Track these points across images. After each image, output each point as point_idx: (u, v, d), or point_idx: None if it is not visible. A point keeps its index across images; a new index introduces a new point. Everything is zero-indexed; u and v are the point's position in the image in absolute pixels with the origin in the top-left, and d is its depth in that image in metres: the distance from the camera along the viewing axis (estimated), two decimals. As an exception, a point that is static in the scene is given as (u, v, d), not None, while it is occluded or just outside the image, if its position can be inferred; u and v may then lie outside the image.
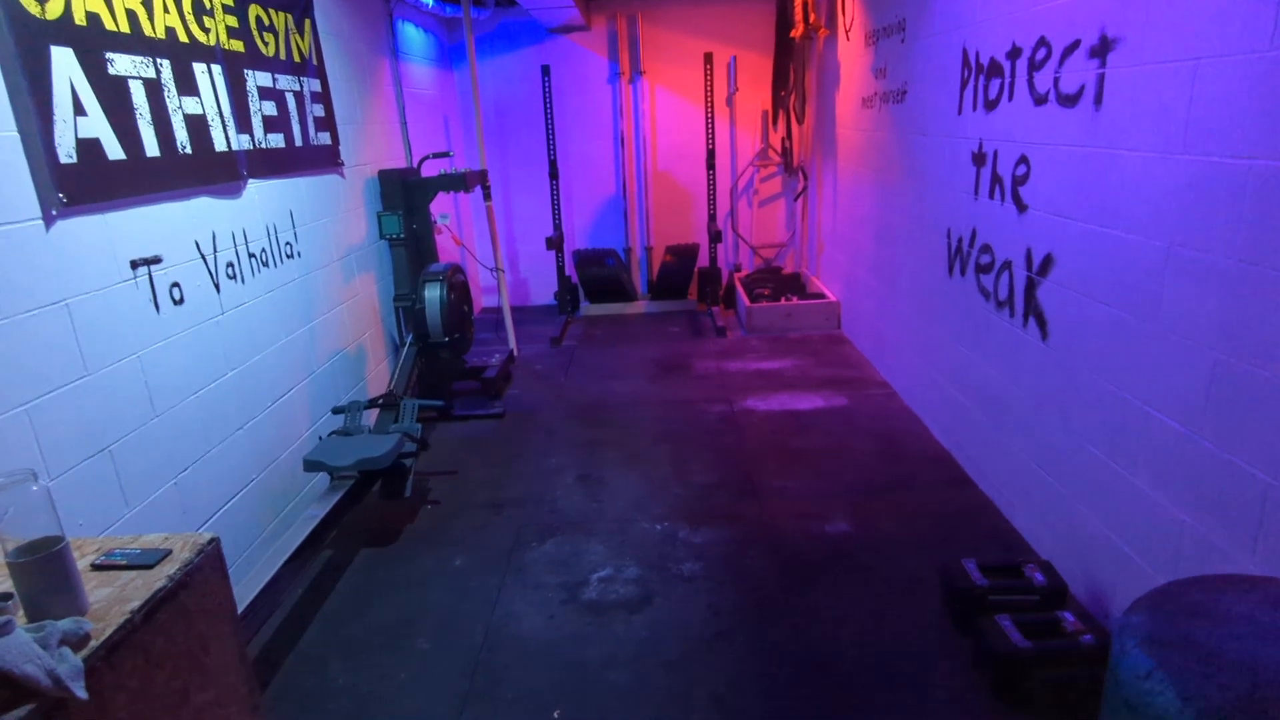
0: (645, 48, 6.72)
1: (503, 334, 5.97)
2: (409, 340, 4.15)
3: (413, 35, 5.75)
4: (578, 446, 4.20)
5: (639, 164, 7.03)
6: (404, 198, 4.70)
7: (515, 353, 5.95)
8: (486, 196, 5.59)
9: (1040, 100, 2.78)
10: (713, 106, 6.38)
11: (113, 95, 2.47)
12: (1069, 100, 2.59)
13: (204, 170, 2.94)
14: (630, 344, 6.06)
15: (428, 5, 5.69)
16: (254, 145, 3.34)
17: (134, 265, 2.55)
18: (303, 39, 3.84)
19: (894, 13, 4.34)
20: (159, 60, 2.71)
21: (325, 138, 4.06)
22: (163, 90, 2.72)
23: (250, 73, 3.33)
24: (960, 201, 3.53)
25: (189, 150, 2.85)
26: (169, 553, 1.51)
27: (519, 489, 3.76)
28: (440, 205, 5.70)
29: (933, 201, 3.87)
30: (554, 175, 6.57)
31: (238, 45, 3.23)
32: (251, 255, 3.29)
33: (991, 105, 3.17)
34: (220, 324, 3.04)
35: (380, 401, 3.71)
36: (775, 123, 6.85)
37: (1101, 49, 2.39)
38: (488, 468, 4.00)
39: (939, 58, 3.72)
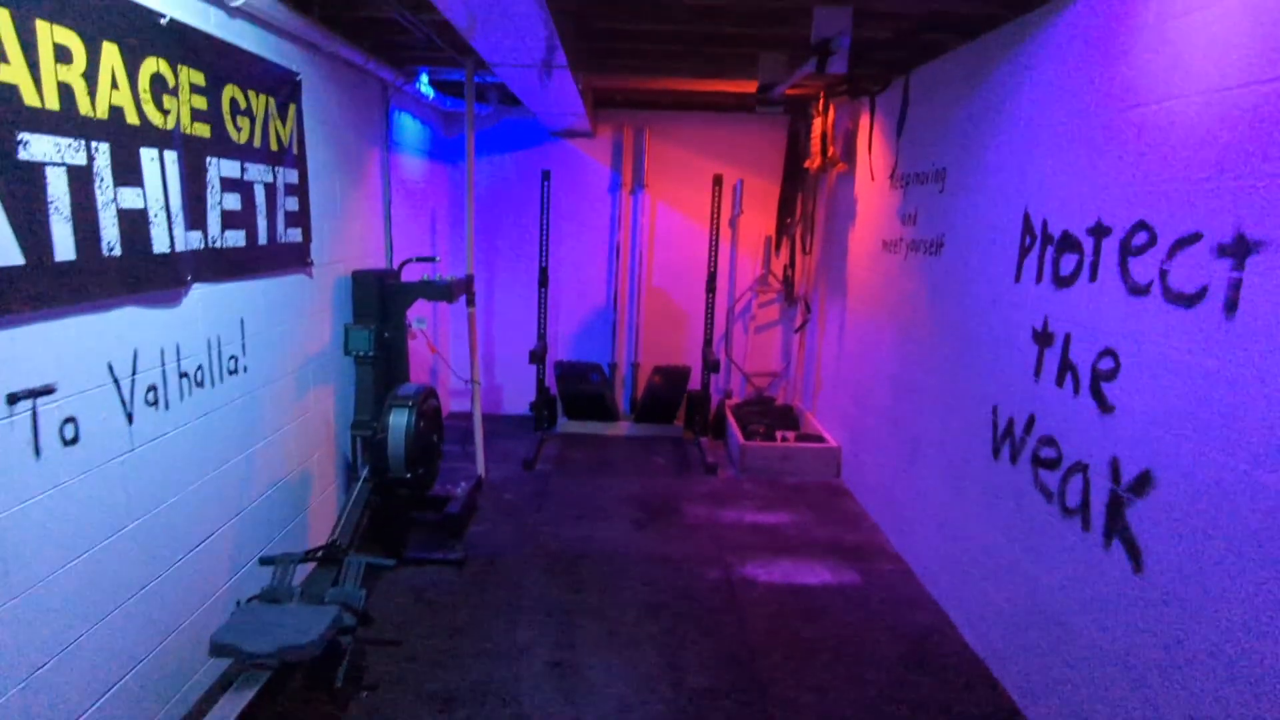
0: (650, 161, 6.45)
1: (470, 448, 5.37)
2: (363, 475, 3.54)
3: (408, 126, 5.38)
4: (550, 614, 3.56)
5: (633, 277, 6.65)
6: (379, 303, 4.18)
7: (484, 476, 5.33)
8: (470, 302, 5.10)
9: (1138, 290, 2.39)
10: (718, 229, 6.07)
11: (19, 185, 1.94)
12: (1184, 300, 2.20)
13: (134, 276, 2.40)
14: (611, 474, 5.49)
15: (429, 97, 5.35)
16: (206, 244, 2.82)
17: (12, 399, 1.96)
18: (284, 125, 3.39)
19: (931, 160, 4.06)
20: (94, 144, 2.20)
21: (295, 234, 3.56)
22: (94, 180, 2.21)
23: (214, 161, 2.84)
24: (1014, 379, 3.12)
25: (117, 252, 2.31)
26: None
27: (477, 673, 3.10)
28: (418, 308, 5.18)
29: (975, 370, 3.46)
30: (544, 283, 6.14)
31: (202, 129, 2.75)
32: (183, 375, 2.72)
33: (1064, 282, 2.79)
34: (128, 463, 2.42)
35: (319, 554, 3.07)
36: (778, 250, 6.56)
37: (1238, 250, 2.01)
38: (440, 637, 3.34)
39: (990, 217, 3.38)
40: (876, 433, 4.80)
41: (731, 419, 6.14)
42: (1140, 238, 2.39)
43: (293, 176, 3.52)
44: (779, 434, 6.02)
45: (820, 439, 5.75)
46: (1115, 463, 2.47)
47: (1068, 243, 2.78)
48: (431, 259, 4.42)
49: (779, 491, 5.26)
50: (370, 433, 3.49)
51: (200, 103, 2.74)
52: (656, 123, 6.39)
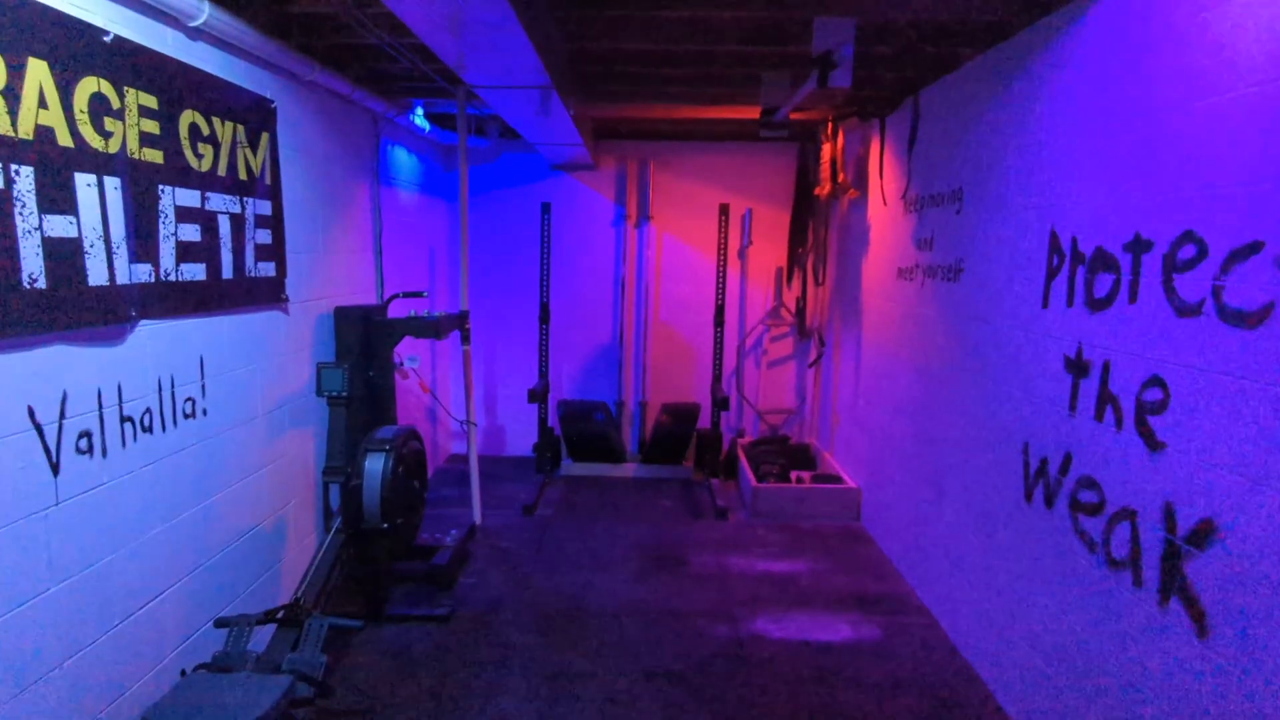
0: (655, 193, 6.25)
1: (467, 493, 5.09)
2: (335, 526, 3.27)
3: (403, 160, 5.23)
4: (540, 682, 3.24)
5: (639, 313, 6.41)
6: (362, 341, 3.96)
7: (480, 521, 5.05)
8: (465, 340, 4.88)
9: (1187, 311, 2.09)
10: (725, 260, 5.83)
11: (-89, 210, 1.74)
12: (1244, 319, 1.89)
13: (62, 311, 2.18)
14: (615, 519, 5.18)
15: (424, 130, 5.21)
16: (157, 278, 2.61)
17: (-102, 451, 1.73)
18: (255, 154, 3.21)
19: (947, 180, 3.80)
20: (14, 166, 2.00)
21: (268, 269, 3.36)
22: (14, 205, 2.00)
23: (168, 189, 2.65)
24: (1045, 414, 2.80)
25: (41, 284, 2.09)
26: None
27: (452, 749, 2.79)
28: (411, 346, 4.97)
29: (1001, 406, 3.15)
30: (545, 320, 5.91)
31: (153, 155, 2.56)
32: (127, 419, 2.48)
33: (1099, 305, 2.50)
34: (51, 519, 2.18)
35: (280, 615, 2.80)
36: (790, 281, 6.30)
37: (1310, 258, 1.72)
38: (415, 708, 3.03)
39: (1013, 237, 3.10)
40: (898, 473, 4.47)
41: (744, 459, 5.82)
42: (1187, 251, 2.10)
43: (265, 208, 3.33)
44: (794, 475, 5.68)
45: (838, 479, 5.41)
46: (1169, 509, 2.15)
47: (1102, 261, 2.49)
48: (419, 294, 4.21)
49: (794, 537, 4.92)
50: (343, 478, 3.24)
51: (151, 127, 2.55)
52: (661, 154, 6.21)
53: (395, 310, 4.29)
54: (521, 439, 6.59)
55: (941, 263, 3.84)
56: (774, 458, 5.83)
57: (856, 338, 5.34)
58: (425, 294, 4.23)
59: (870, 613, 3.88)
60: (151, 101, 2.56)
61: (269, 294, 3.38)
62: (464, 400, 5.28)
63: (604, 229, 6.34)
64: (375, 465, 3.30)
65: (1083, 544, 2.55)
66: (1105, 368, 2.45)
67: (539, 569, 4.35)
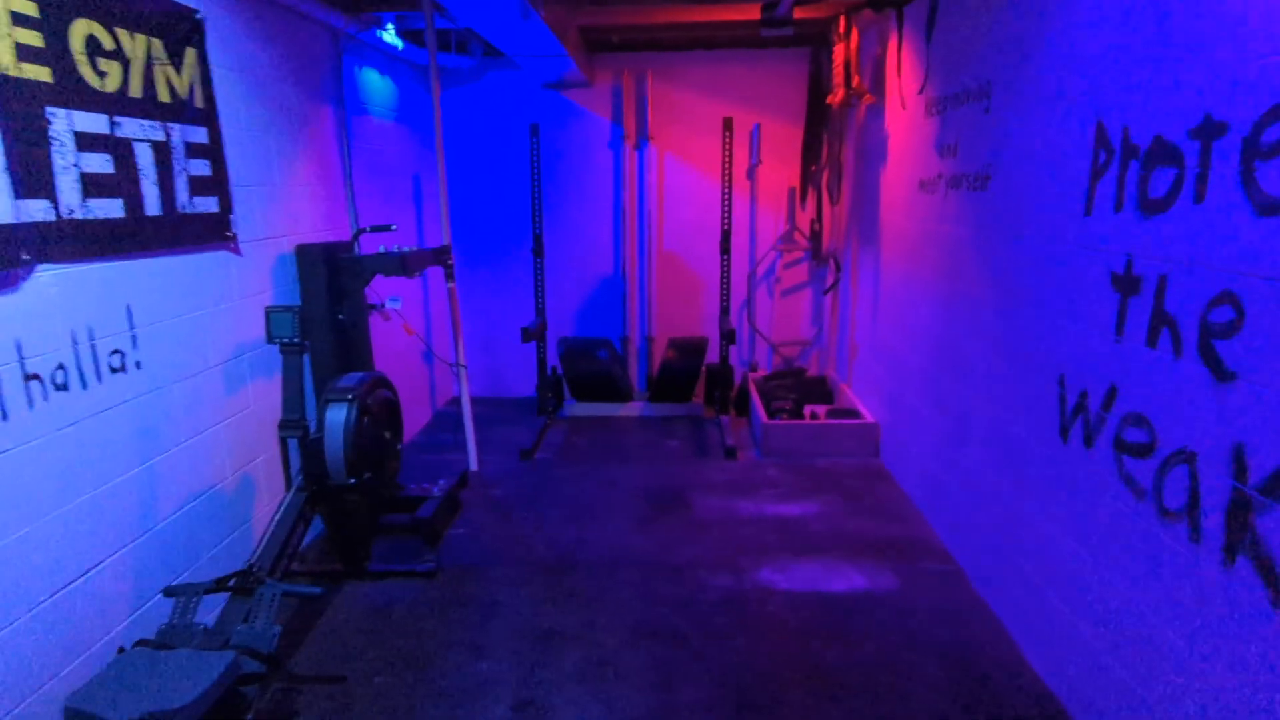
0: (655, 110, 5.76)
1: (464, 437, 4.85)
2: (295, 484, 3.02)
3: (375, 84, 4.80)
4: (526, 641, 3.01)
5: (642, 242, 6.01)
6: (329, 281, 3.65)
7: (475, 468, 4.81)
8: (449, 276, 4.55)
9: (1271, 209, 1.68)
10: (731, 180, 5.37)
11: None
12: (1352, 214, 1.48)
13: (-77, 256, 1.88)
14: (619, 462, 4.91)
15: (398, 49, 4.76)
16: (57, 216, 2.29)
17: None
18: (179, 73, 2.84)
19: (972, 74, 3.31)
20: None
21: (208, 204, 3.02)
22: None
23: (60, 113, 2.30)
24: (1086, 341, 2.41)
25: (-114, 226, 1.78)
26: None
27: (425, 721, 2.57)
28: (393, 286, 4.66)
29: (1034, 332, 2.76)
30: (538, 252, 5.53)
31: (38, 72, 2.21)
32: (32, 378, 2.20)
33: (1155, 207, 2.08)
34: (-62, 494, 1.92)
35: (231, 583, 2.56)
36: (804, 202, 5.83)
37: None
38: (392, 672, 2.82)
39: (1049, 134, 2.65)
40: (919, 407, 4.11)
41: (755, 394, 5.49)
42: (1276, 131, 1.67)
43: (199, 135, 2.97)
44: (808, 410, 5.35)
45: (855, 414, 5.07)
46: (1239, 452, 1.78)
47: (1161, 152, 2.05)
48: (386, 228, 3.86)
49: (807, 477, 4.61)
50: (301, 434, 2.96)
51: (31, 38, 2.19)
52: (660, 66, 5.70)
53: (367, 247, 3.96)
54: (523, 379, 6.31)
55: (967, 171, 3.38)
56: (787, 392, 5.48)
57: (875, 261, 4.91)
58: (393, 228, 3.87)
59: (888, 559, 3.58)
60: (30, 8, 2.19)
61: (211, 232, 3.05)
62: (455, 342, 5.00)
63: (601, 151, 5.88)
64: (337, 416, 3.02)
65: (1129, 490, 2.20)
66: (1161, 283, 2.04)
67: (533, 518, 4.11)
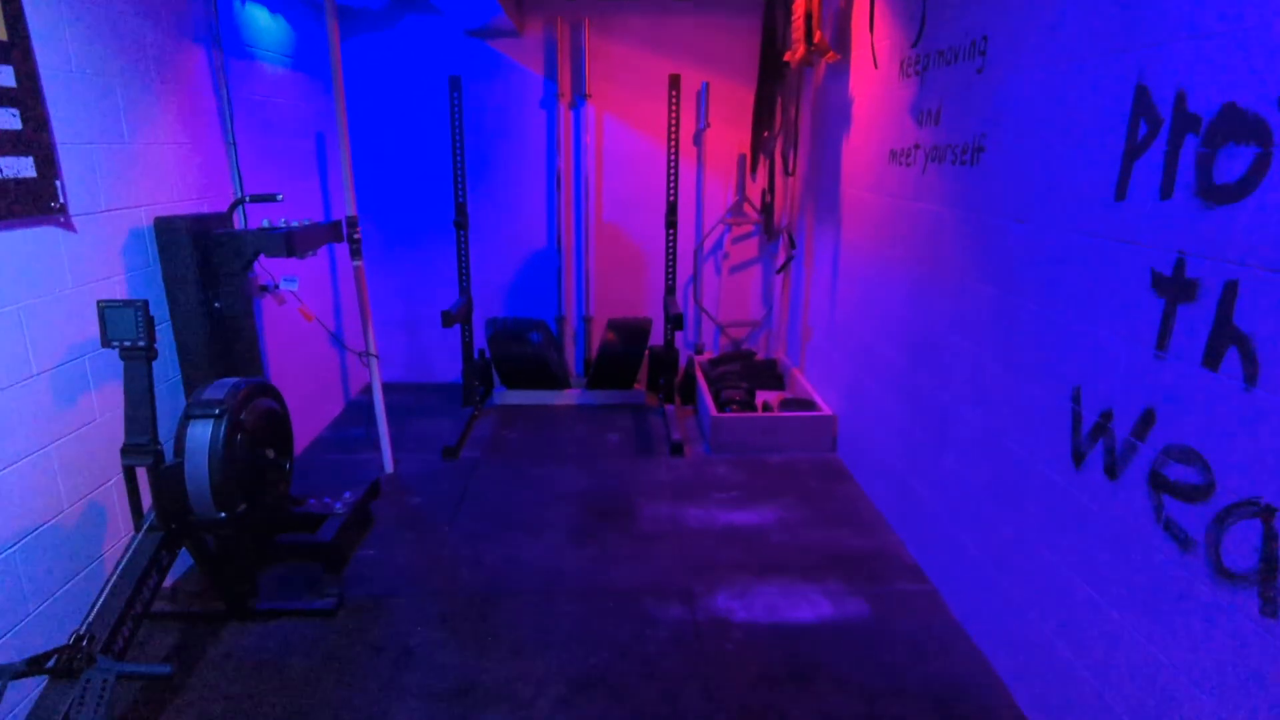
0: (593, 64, 5.17)
1: (377, 433, 4.26)
2: (146, 522, 2.42)
3: (264, 24, 4.07)
4: (442, 703, 2.52)
5: (579, 212, 5.45)
6: (200, 262, 3.01)
7: (390, 470, 4.25)
8: (355, 254, 3.92)
9: None
10: (677, 145, 4.85)
11: None
12: None
13: None
14: (554, 461, 4.41)
15: (289, -18, 4.04)
16: None
17: None
18: (-34, -8, 2.15)
19: (963, 26, 2.86)
20: None
21: (21, 165, 2.35)
22: None
23: None
24: (1112, 349, 2.02)
25: None
26: None
27: (311, 822, 2.06)
28: (290, 265, 4.00)
29: (1038, 332, 2.36)
30: (461, 224, 4.92)
31: None
32: None
33: (1222, 195, 1.66)
34: None
35: (51, 663, 1.98)
36: (754, 171, 5.36)
37: None
38: (273, 753, 2.29)
39: (1066, 100, 2.22)
40: (885, 401, 3.72)
41: (702, 380, 5.05)
42: None
43: (4, 76, 2.29)
44: (759, 398, 4.95)
45: (811, 404, 4.68)
46: (1343, 514, 1.40)
47: (1233, 125, 1.64)
48: (272, 197, 3.21)
49: (761, 475, 4.21)
50: (152, 460, 2.36)
51: None
52: (598, 14, 5.09)
53: (255, 219, 3.31)
54: (451, 363, 5.72)
55: (953, 141, 2.95)
56: (736, 379, 5.06)
57: (834, 238, 4.49)
58: (279, 197, 3.23)
59: (855, 579, 3.21)
60: None
61: (27, 202, 2.39)
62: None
63: (532, 110, 5.27)
64: (200, 436, 2.42)
65: (1170, 538, 1.82)
66: (1228, 291, 1.64)
67: (456, 534, 3.59)
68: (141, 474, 2.52)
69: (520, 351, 5.11)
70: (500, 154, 5.32)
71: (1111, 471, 2.03)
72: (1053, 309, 2.29)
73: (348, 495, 3.49)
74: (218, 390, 2.54)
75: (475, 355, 5.26)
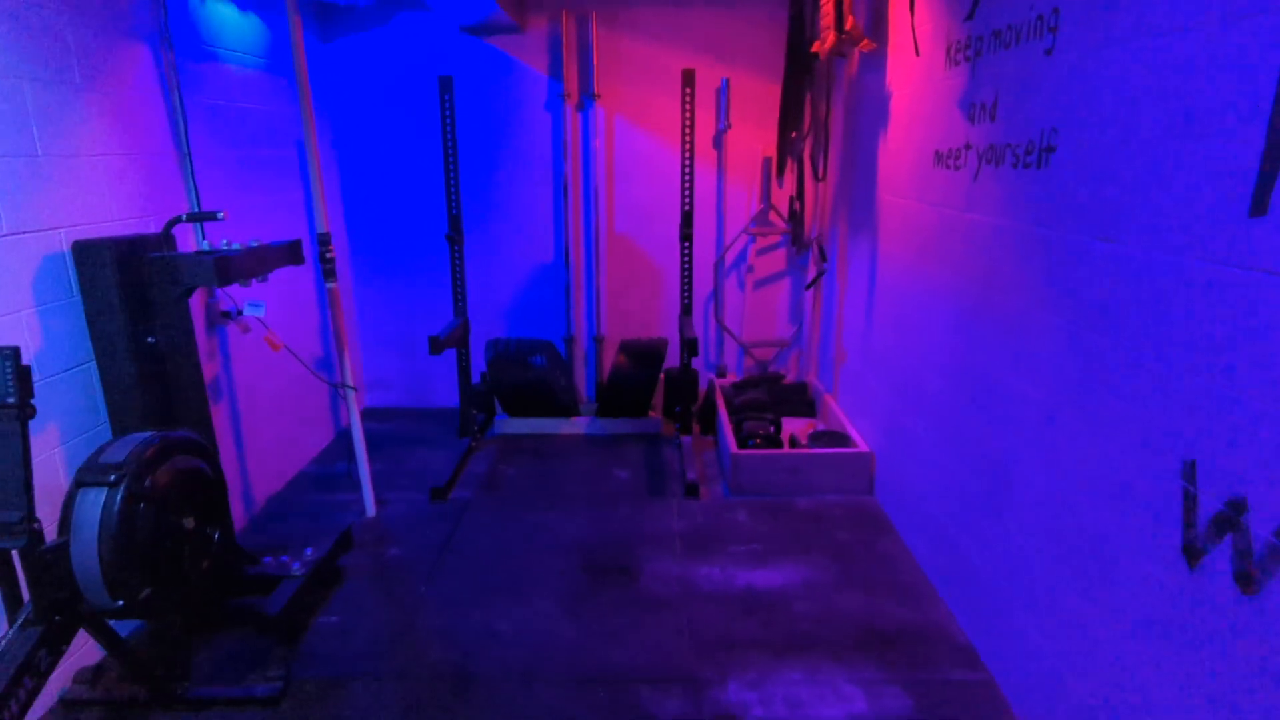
0: (601, 61, 4.71)
1: (361, 471, 3.85)
2: (23, 614, 2.01)
3: (230, 21, 3.68)
4: (381, 829, 2.07)
5: (588, 223, 4.99)
6: (130, 292, 2.62)
7: (372, 514, 3.83)
8: (328, 275, 3.52)
9: None
10: (693, 148, 4.36)
11: None
12: None
13: None
14: (553, 503, 3.95)
15: (261, -24, 3.65)
16: None
17: None
18: None
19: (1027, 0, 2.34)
20: None
21: (-120, 187, 1.96)
22: None
23: None
24: (1248, 419, 1.49)
25: None
26: None
27: None
28: (260, 289, 3.60)
29: (1135, 384, 1.83)
30: (455, 237, 4.50)
31: None
32: None
33: None
34: None
35: None
36: (781, 176, 4.84)
37: None
38: None
39: (1168, 85, 1.69)
40: (928, 440, 3.19)
41: (723, 408, 4.55)
42: None
43: None
44: (787, 430, 4.43)
45: (844, 438, 4.15)
46: None
47: None
48: (212, 216, 2.80)
49: (786, 524, 3.69)
50: (26, 541, 1.95)
51: None
52: (607, 5, 4.63)
53: (218, 238, 2.91)
54: (452, 387, 5.30)
55: (1013, 139, 2.42)
56: (761, 408, 4.55)
57: (870, 251, 3.96)
58: (221, 215, 2.82)
59: (895, 663, 2.68)
60: None
61: (-110, 229, 2.00)
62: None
63: (536, 112, 4.83)
64: (90, 508, 2.01)
65: (1346, 695, 1.28)
66: None
67: (433, 596, 3.15)
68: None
69: (523, 377, 4.66)
70: (503, 160, 4.89)
71: (1247, 580, 1.50)
72: (1153, 354, 1.76)
73: (309, 553, 3.07)
74: (120, 449, 2.13)
75: (473, 381, 4.83)
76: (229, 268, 2.55)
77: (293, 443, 4.30)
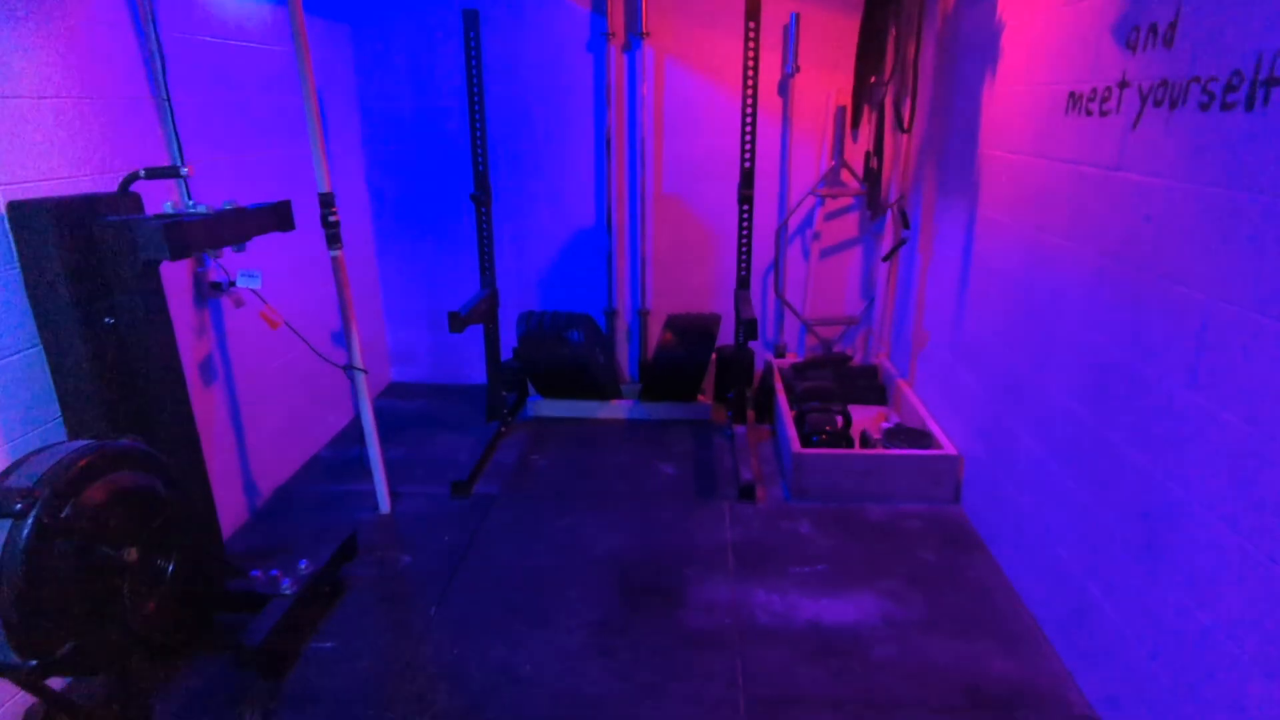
0: (651, -6, 4.09)
1: (388, 450, 3.42)
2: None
3: (222, -58, 3.18)
4: None
5: (633, 182, 4.42)
6: (76, 263, 2.18)
7: (386, 510, 3.41)
8: (333, 242, 3.05)
9: None
10: (756, 95, 3.73)
11: None
12: None
13: None
14: (588, 502, 3.48)
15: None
16: None
17: None
18: None
19: (1239, -127, 1.68)
20: None
21: None
22: None
23: None
24: None
25: None
26: None
27: None
28: (254, 257, 3.15)
29: None
30: (482, 198, 3.98)
31: None
32: None
33: None
34: None
35: None
36: (856, 128, 4.19)
37: None
38: None
39: None
40: (1048, 462, 2.60)
41: (782, 394, 4.01)
42: None
43: None
44: (857, 424, 3.87)
45: (925, 436, 3.57)
46: None
47: None
48: (172, 171, 2.32)
49: (857, 538, 3.16)
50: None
51: None
52: (657, -71, 4.00)
53: (209, 197, 2.45)
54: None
55: (1205, 70, 1.79)
56: (827, 398, 3.98)
57: (967, 217, 3.33)
58: (184, 171, 2.33)
59: (1002, 737, 2.15)
60: None
61: None
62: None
63: (576, 54, 4.25)
64: (-10, 548, 1.58)
65: None
66: None
67: (444, 619, 2.71)
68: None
69: (558, 354, 4.17)
70: (537, 110, 4.34)
71: None
72: None
73: (303, 565, 2.65)
74: (38, 465, 1.69)
75: (502, 360, 4.36)
76: (184, 235, 2.08)
77: (305, 425, 3.90)
